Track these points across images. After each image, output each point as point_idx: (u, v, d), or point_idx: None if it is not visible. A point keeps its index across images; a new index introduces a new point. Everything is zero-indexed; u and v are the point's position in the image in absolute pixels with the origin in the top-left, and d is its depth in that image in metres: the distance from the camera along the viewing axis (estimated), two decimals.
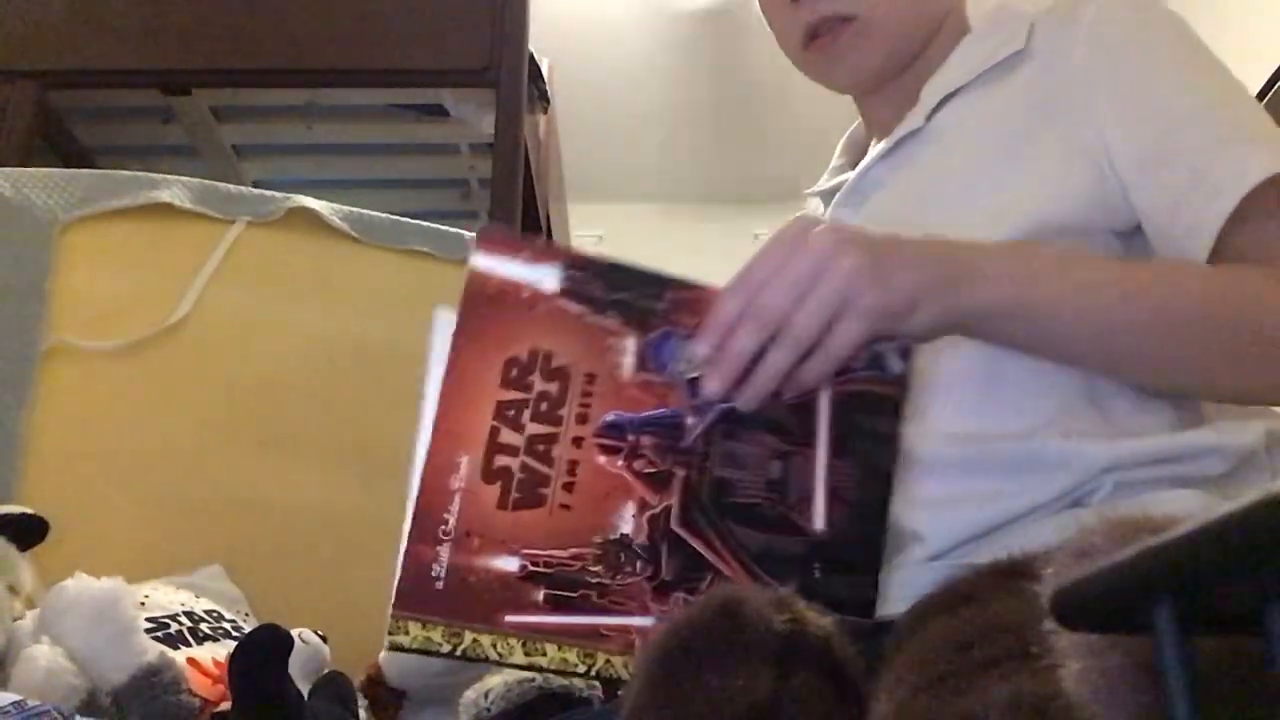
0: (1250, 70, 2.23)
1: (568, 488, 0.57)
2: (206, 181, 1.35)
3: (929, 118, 0.78)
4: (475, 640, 0.55)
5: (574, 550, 0.57)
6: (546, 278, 0.56)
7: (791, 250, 0.58)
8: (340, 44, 1.97)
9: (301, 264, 1.36)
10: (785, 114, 3.68)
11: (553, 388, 0.56)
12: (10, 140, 1.82)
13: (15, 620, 0.89)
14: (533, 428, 0.56)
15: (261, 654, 0.75)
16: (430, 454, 0.55)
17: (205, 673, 0.88)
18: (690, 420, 0.59)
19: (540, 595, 0.56)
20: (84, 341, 1.22)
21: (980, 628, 0.38)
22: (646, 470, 0.58)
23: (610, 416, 0.57)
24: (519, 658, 0.56)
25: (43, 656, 0.82)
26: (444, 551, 0.54)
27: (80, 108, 2.22)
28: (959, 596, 0.43)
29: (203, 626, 0.96)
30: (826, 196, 0.88)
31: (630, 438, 0.58)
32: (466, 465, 0.55)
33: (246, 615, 1.10)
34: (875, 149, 0.83)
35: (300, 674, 0.87)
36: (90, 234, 1.26)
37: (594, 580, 0.57)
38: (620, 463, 0.58)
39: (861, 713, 0.40)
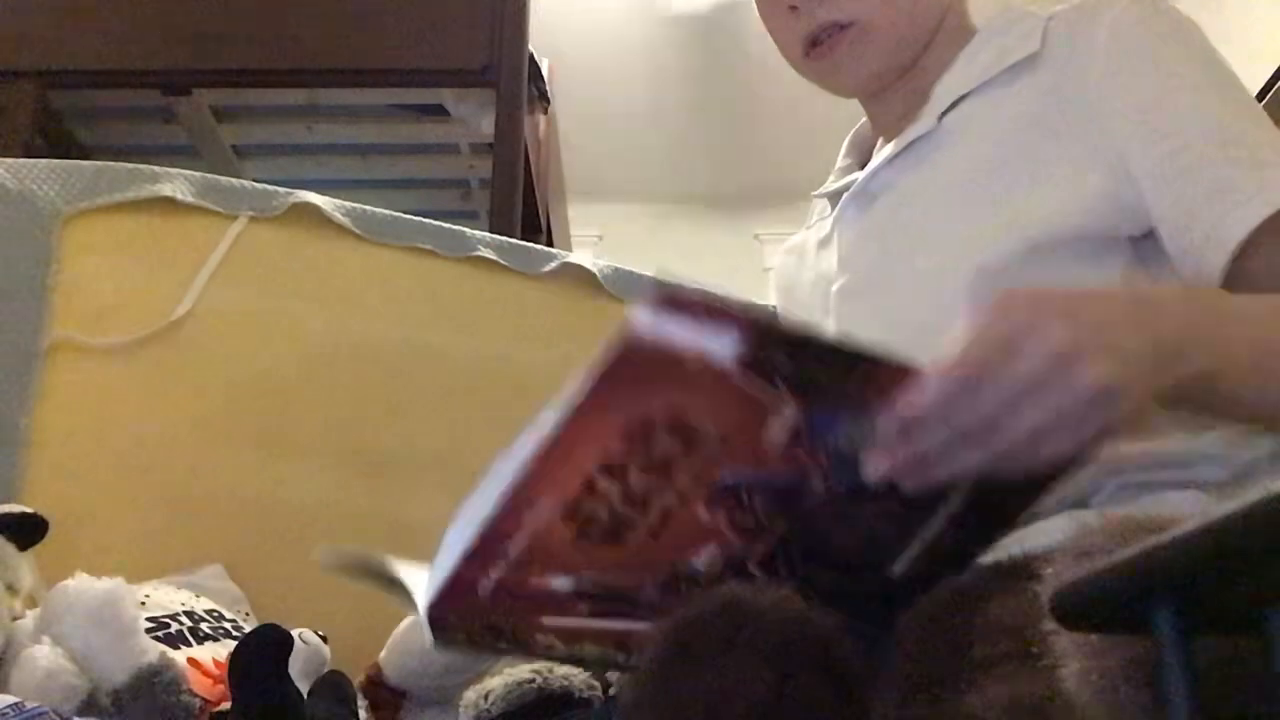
0: (1250, 70, 2.22)
1: (653, 533, 0.52)
2: (209, 175, 1.35)
3: (940, 119, 0.77)
4: (515, 633, 0.54)
5: (637, 578, 0.53)
6: (719, 345, 0.47)
7: (1023, 337, 0.49)
8: (340, 44, 1.97)
9: (304, 260, 1.36)
10: (786, 115, 3.68)
11: (676, 446, 0.49)
12: (10, 140, 1.82)
13: (15, 620, 0.89)
14: (637, 479, 0.50)
15: (261, 654, 0.75)
16: (512, 491, 0.48)
17: (206, 673, 0.88)
18: (816, 487, 0.53)
19: (585, 607, 0.54)
20: (88, 338, 1.21)
21: (980, 628, 0.38)
22: (745, 524, 0.53)
23: (729, 479, 0.51)
24: (560, 651, 0.55)
25: (43, 657, 0.82)
26: (495, 572, 0.50)
27: (80, 108, 2.22)
28: (959, 596, 0.43)
29: (203, 626, 0.96)
30: (833, 198, 0.88)
31: (742, 497, 0.52)
32: (547, 505, 0.49)
33: (246, 615, 1.10)
34: (885, 150, 0.82)
35: (300, 674, 0.87)
36: (92, 227, 1.26)
37: (645, 600, 0.54)
38: (720, 514, 0.52)
39: (861, 713, 0.40)
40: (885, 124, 0.87)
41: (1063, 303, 0.51)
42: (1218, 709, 0.25)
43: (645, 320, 0.45)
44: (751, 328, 0.47)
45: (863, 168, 0.87)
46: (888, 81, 0.83)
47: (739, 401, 0.48)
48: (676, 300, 0.45)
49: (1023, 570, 0.40)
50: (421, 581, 0.53)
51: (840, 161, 0.93)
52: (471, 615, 0.52)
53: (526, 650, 0.55)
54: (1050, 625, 0.28)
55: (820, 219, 0.91)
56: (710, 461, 0.50)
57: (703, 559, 0.53)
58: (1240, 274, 0.64)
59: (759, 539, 0.54)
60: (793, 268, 0.93)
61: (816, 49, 0.80)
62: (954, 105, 0.77)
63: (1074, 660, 0.28)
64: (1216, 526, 0.20)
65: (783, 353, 0.48)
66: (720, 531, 0.53)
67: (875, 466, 0.50)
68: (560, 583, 0.52)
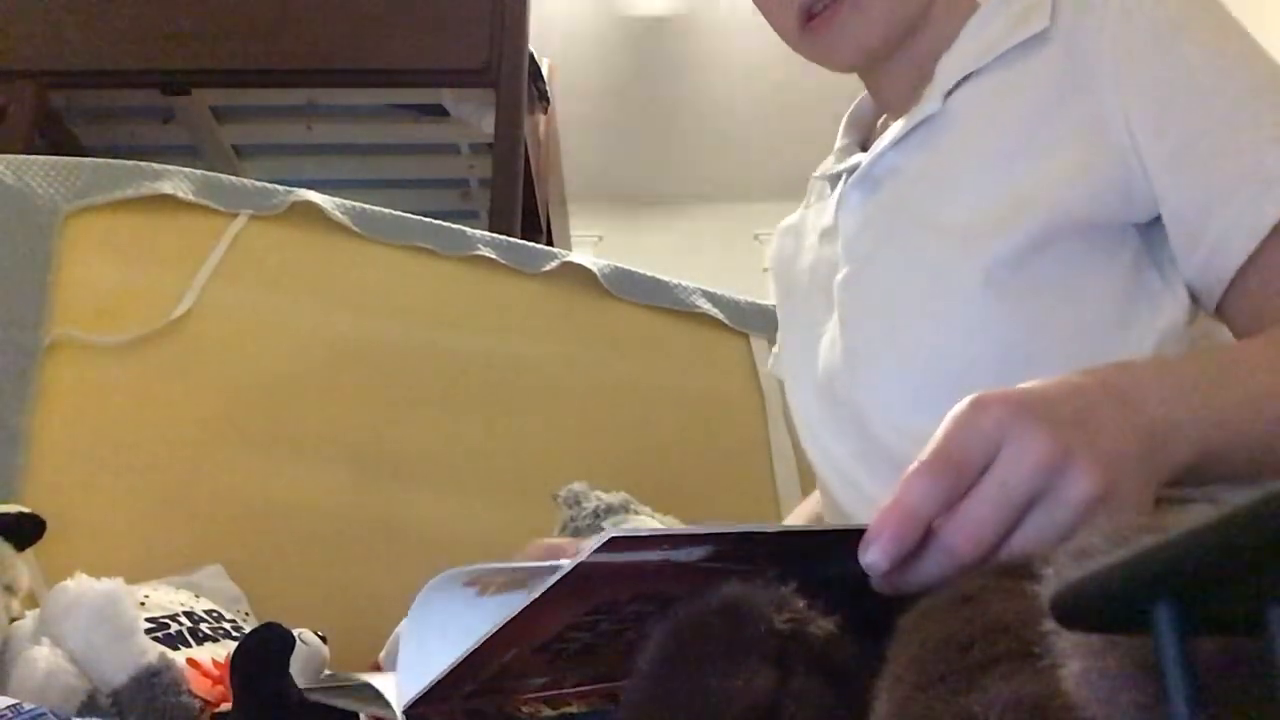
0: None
1: (631, 647, 0.49)
2: (209, 173, 1.35)
3: (946, 100, 0.75)
4: (498, 709, 0.53)
5: (620, 667, 0.51)
6: (689, 555, 0.44)
7: (1000, 443, 0.46)
8: (340, 44, 1.97)
9: (304, 259, 1.36)
10: (786, 114, 3.68)
11: (648, 607, 0.47)
12: (10, 140, 1.82)
13: (13, 620, 0.89)
14: (607, 627, 0.48)
15: (261, 654, 0.75)
16: (476, 653, 0.46)
17: (205, 673, 0.88)
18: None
19: (567, 687, 0.53)
20: (87, 336, 1.21)
21: (980, 628, 0.38)
22: None
23: None
24: (548, 715, 0.53)
25: (43, 658, 0.82)
26: (468, 686, 0.49)
27: (80, 108, 2.23)
28: (959, 596, 0.43)
29: (203, 627, 0.96)
30: (834, 180, 0.85)
31: None
32: (515, 650, 0.47)
33: (246, 615, 1.10)
34: (889, 132, 0.79)
35: (300, 674, 0.87)
36: (92, 225, 1.26)
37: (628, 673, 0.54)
38: None
39: (862, 713, 0.40)
40: (887, 100, 0.85)
41: (1041, 406, 0.48)
42: (1218, 709, 0.25)
43: (598, 557, 0.41)
44: (720, 541, 0.44)
45: (863, 148, 0.84)
46: (886, 53, 0.80)
47: (720, 576, 0.45)
48: (629, 542, 0.42)
49: (1023, 570, 0.40)
50: (388, 684, 0.52)
51: (839, 141, 0.90)
52: (450, 709, 0.51)
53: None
54: (1050, 625, 0.28)
55: (819, 200, 0.89)
56: None
57: None
58: (1258, 266, 0.63)
59: None
60: (790, 250, 0.91)
61: (814, 21, 0.78)
62: (960, 84, 0.75)
63: (1074, 660, 0.28)
64: (1216, 526, 0.20)
65: (763, 549, 0.46)
66: None
67: (866, 559, 0.46)
68: (539, 679, 0.51)
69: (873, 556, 0.45)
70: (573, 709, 0.54)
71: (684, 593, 0.45)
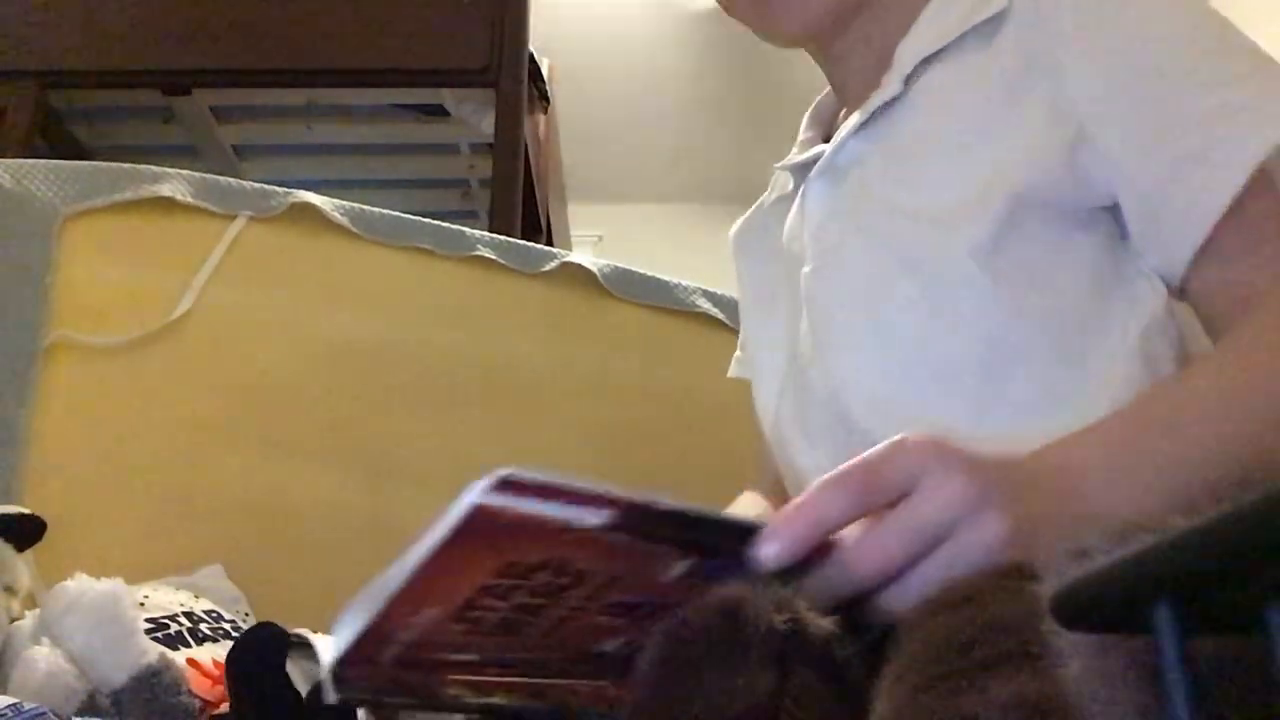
0: None
1: (551, 630, 0.50)
2: (208, 175, 1.35)
3: (906, 84, 0.72)
4: (423, 688, 0.52)
5: (541, 655, 0.52)
6: (590, 518, 0.44)
7: (920, 477, 0.46)
8: (340, 44, 1.97)
9: (303, 260, 1.36)
10: (786, 113, 3.68)
11: (562, 580, 0.47)
12: (10, 140, 1.82)
13: (13, 621, 0.89)
14: (523, 598, 0.47)
15: (259, 653, 0.75)
16: (390, 606, 0.46)
17: (205, 674, 0.88)
18: None
19: (492, 670, 0.53)
20: (86, 337, 1.21)
21: (980, 628, 0.38)
22: (654, 627, 0.51)
23: (630, 600, 0.49)
24: (471, 702, 0.53)
25: (43, 659, 0.82)
26: (391, 650, 0.49)
27: (80, 108, 2.23)
28: (959, 596, 0.43)
29: (202, 627, 0.96)
30: (798, 171, 0.82)
31: (645, 609, 0.50)
32: (431, 613, 0.47)
33: (246, 615, 1.10)
34: (851, 120, 0.76)
35: (300, 674, 0.87)
36: (91, 228, 1.26)
37: (556, 667, 0.53)
38: (624, 620, 0.50)
39: (861, 713, 0.40)
40: (847, 89, 0.82)
41: (968, 454, 0.48)
42: (1218, 709, 0.25)
43: (492, 499, 0.41)
44: (618, 504, 0.43)
45: (826, 140, 0.81)
46: (835, 24, 0.77)
47: (625, 553, 0.46)
48: (522, 486, 0.42)
49: (1023, 570, 0.40)
50: (328, 645, 0.52)
51: (802, 134, 0.87)
52: (375, 675, 0.51)
53: (435, 703, 0.55)
54: (1050, 625, 0.28)
55: (780, 196, 0.87)
56: (603, 589, 0.48)
57: (611, 645, 0.51)
58: (1220, 252, 0.62)
59: None
60: (752, 245, 0.89)
61: None
62: (919, 68, 0.72)
63: (1074, 660, 0.28)
64: (1216, 526, 0.20)
65: (665, 526, 0.45)
66: (628, 629, 0.51)
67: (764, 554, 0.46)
68: (462, 655, 0.51)
69: (766, 552, 0.45)
70: (497, 699, 0.53)
71: (591, 566, 0.45)
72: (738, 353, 0.97)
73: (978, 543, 0.46)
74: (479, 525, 0.42)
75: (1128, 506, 0.50)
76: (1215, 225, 0.61)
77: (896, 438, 0.48)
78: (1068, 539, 0.48)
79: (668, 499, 0.45)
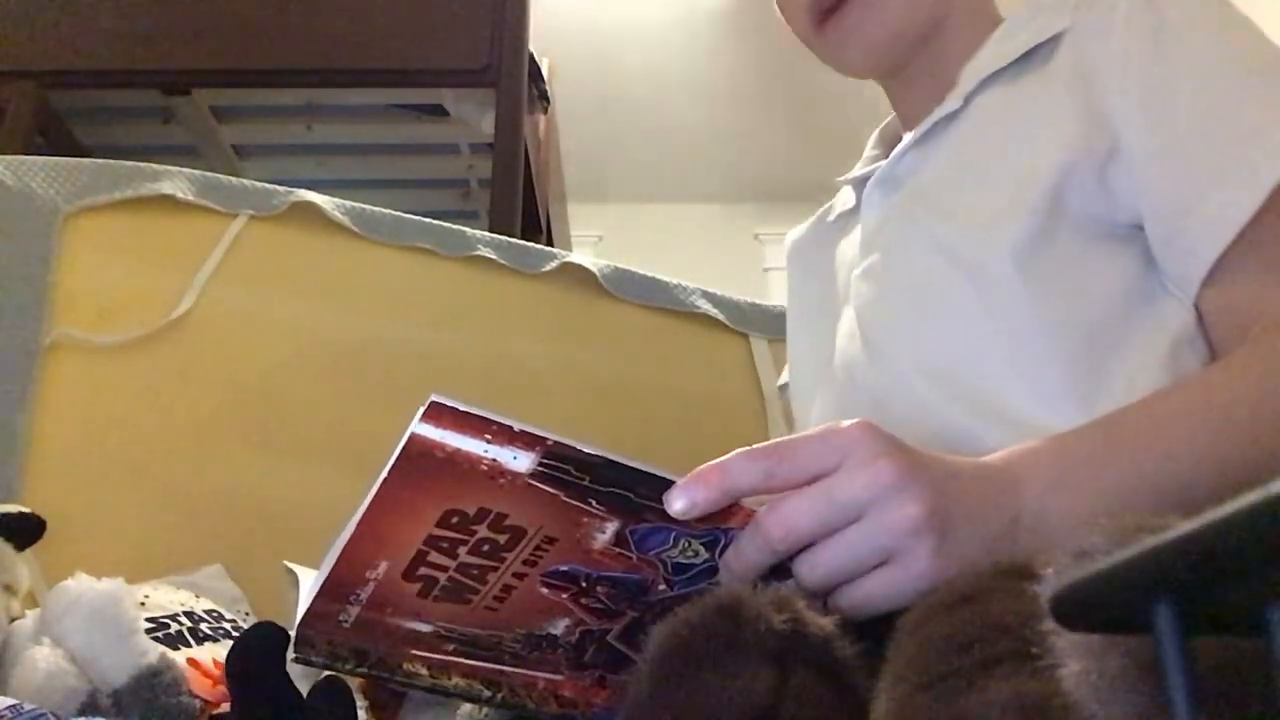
0: None
1: (498, 600, 0.52)
2: (209, 174, 1.35)
3: (967, 100, 0.75)
4: (383, 659, 0.54)
5: (495, 633, 0.53)
6: (516, 459, 0.47)
7: (843, 460, 0.48)
8: (340, 44, 1.97)
9: (304, 259, 1.36)
10: (786, 113, 3.68)
11: (500, 538, 0.49)
12: (10, 140, 1.82)
13: (13, 620, 0.89)
14: (468, 558, 0.50)
15: (259, 653, 0.75)
16: (350, 546, 0.49)
17: (205, 673, 0.88)
18: (658, 584, 0.52)
19: (450, 647, 0.54)
20: (88, 336, 1.21)
21: (980, 628, 0.38)
22: (592, 606, 0.53)
23: (564, 566, 0.51)
24: (424, 680, 0.55)
25: (43, 658, 0.82)
26: (353, 610, 0.51)
27: (80, 108, 2.22)
28: (959, 596, 0.43)
29: (203, 627, 0.96)
30: (858, 185, 0.86)
31: (583, 584, 0.52)
32: (386, 567, 0.50)
33: (246, 615, 1.10)
34: (909, 136, 0.80)
35: (300, 674, 0.87)
36: (92, 225, 1.26)
37: (509, 650, 0.54)
38: (564, 595, 0.52)
39: (861, 713, 0.40)
40: (909, 113, 0.85)
41: (896, 443, 0.50)
42: (1218, 709, 0.25)
43: (428, 430, 0.46)
44: (544, 446, 0.46)
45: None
46: (900, 56, 0.81)
47: (559, 511, 0.48)
48: (459, 418, 0.46)
49: (1023, 570, 0.40)
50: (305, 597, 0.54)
51: (868, 151, 0.92)
52: (337, 638, 0.53)
53: (391, 677, 0.56)
54: (1050, 625, 0.28)
55: (843, 212, 0.90)
56: (539, 553, 0.50)
57: (558, 626, 0.53)
58: (1233, 267, 0.62)
59: (611, 619, 0.53)
60: (811, 255, 0.91)
61: (830, 18, 0.79)
62: (981, 86, 0.75)
63: (1074, 660, 0.28)
64: (1216, 526, 0.20)
65: (588, 475, 0.48)
66: (568, 608, 0.52)
67: (676, 511, 0.49)
68: (419, 625, 0.53)
69: (676, 504, 0.48)
70: (455, 682, 0.54)
71: (524, 521, 0.48)
72: (784, 373, 0.99)
73: (888, 524, 0.47)
74: (418, 459, 0.46)
75: (1061, 515, 0.52)
76: (1229, 246, 0.62)
77: (835, 422, 0.50)
78: (988, 536, 0.49)
79: (589, 446, 0.48)
